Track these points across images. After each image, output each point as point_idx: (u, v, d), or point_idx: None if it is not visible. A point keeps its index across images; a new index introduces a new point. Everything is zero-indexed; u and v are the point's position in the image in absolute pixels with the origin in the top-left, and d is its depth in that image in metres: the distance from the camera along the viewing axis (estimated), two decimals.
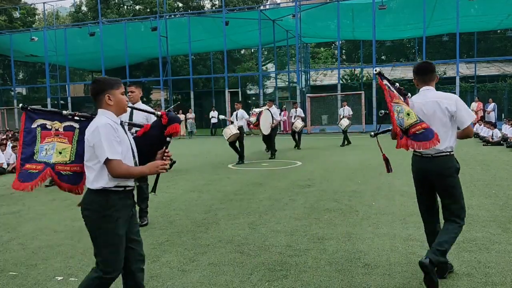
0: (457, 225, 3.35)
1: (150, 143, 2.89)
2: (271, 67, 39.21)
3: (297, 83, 25.62)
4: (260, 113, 11.93)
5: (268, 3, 40.35)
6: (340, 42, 33.00)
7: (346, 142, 15.31)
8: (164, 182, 8.82)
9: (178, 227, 5.32)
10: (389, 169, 3.64)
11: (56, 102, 31.50)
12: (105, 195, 2.58)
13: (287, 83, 33.85)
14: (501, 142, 13.99)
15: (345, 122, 15.13)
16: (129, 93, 5.63)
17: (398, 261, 3.90)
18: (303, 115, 16.28)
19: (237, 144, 11.32)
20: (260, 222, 5.37)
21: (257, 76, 31.49)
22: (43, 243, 4.83)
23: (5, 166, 11.43)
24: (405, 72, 33.95)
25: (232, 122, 11.55)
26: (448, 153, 3.31)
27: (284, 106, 24.12)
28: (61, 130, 2.82)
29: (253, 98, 35.22)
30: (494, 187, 7.03)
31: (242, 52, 40.67)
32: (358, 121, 22.86)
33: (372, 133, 3.85)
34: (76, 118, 2.85)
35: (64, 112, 2.87)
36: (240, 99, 26.76)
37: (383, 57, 40.33)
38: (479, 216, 5.30)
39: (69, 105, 27.86)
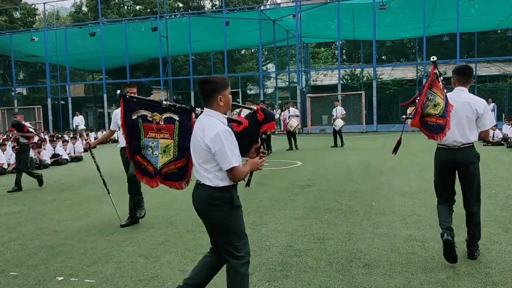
0: (479, 209, 3.94)
1: (248, 139, 2.89)
2: (271, 67, 39.19)
3: (298, 83, 25.62)
4: (240, 111, 11.64)
5: (269, 3, 40.35)
6: (341, 42, 32.99)
7: (341, 142, 14.97)
8: None
9: (178, 227, 5.32)
10: (395, 151, 4.14)
11: (56, 102, 31.51)
12: (228, 191, 2.69)
13: (287, 83, 33.83)
14: (502, 142, 14.00)
15: (339, 123, 14.83)
16: (133, 94, 5.66)
17: (398, 261, 3.90)
18: (297, 113, 15.58)
19: None
20: (261, 222, 5.37)
21: (257, 76, 31.49)
22: (44, 243, 4.84)
23: (5, 166, 11.43)
24: (405, 72, 33.94)
25: None
26: (472, 144, 3.86)
27: (284, 107, 24.05)
28: (161, 123, 2.86)
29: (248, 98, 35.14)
30: (495, 187, 7.03)
31: (243, 52, 40.65)
32: (359, 121, 22.85)
33: (404, 116, 4.28)
34: (174, 109, 2.88)
35: (164, 102, 2.88)
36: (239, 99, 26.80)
37: (383, 57, 40.31)
38: None
39: (70, 105, 27.83)
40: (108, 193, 5.65)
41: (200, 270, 2.92)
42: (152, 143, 2.87)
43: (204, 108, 2.72)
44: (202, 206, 2.74)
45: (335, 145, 14.96)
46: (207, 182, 2.67)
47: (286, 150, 14.39)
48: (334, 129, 15.10)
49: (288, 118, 14.70)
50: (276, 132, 15.96)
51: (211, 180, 2.65)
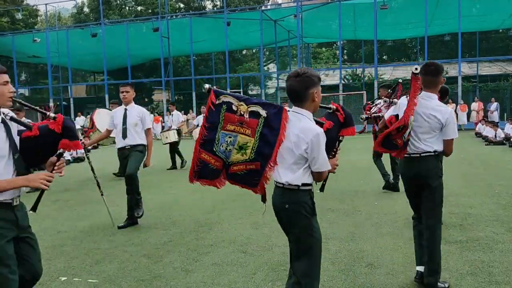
0: None
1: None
2: (272, 67, 39.19)
3: None
4: (92, 114, 10.59)
5: (270, 3, 40.34)
6: (342, 42, 32.97)
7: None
8: (167, 182, 8.83)
9: (181, 227, 5.33)
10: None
11: (58, 103, 31.51)
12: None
13: None
14: (504, 141, 13.97)
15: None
16: (124, 93, 5.65)
17: (401, 260, 3.90)
18: None
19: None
20: (263, 222, 5.37)
21: (259, 76, 31.50)
22: (47, 244, 4.84)
23: None
24: (407, 72, 33.89)
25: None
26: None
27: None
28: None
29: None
30: (497, 187, 7.02)
31: (244, 52, 40.65)
32: (360, 121, 22.76)
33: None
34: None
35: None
36: None
37: (384, 56, 40.23)
38: (482, 215, 5.29)
39: (72, 106, 27.89)
40: (102, 195, 5.61)
41: (420, 245, 3.40)
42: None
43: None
44: (431, 173, 3.27)
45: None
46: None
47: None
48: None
49: None
50: None
51: (437, 150, 3.27)
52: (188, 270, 3.89)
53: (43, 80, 36.24)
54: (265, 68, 37.76)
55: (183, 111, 26.29)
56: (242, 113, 2.46)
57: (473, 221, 5.04)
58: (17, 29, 31.78)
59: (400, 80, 4.28)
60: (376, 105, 6.12)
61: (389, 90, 4.63)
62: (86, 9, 36.91)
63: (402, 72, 34.22)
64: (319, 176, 2.53)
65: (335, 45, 39.40)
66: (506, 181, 7.50)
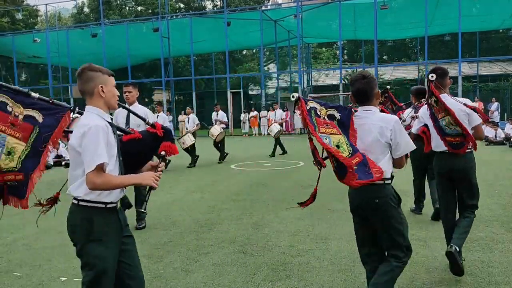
0: None
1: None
2: (272, 67, 39.19)
3: (299, 84, 25.63)
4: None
5: (270, 3, 40.34)
6: (342, 42, 32.97)
7: (279, 150, 12.72)
8: (167, 183, 8.84)
9: (181, 227, 5.33)
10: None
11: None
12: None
13: (289, 83, 33.83)
14: (504, 141, 13.98)
15: (275, 128, 12.62)
16: (126, 93, 5.60)
17: None
18: (225, 119, 13.05)
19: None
20: (263, 223, 5.38)
21: (259, 76, 31.50)
22: (47, 244, 4.85)
23: None
24: (407, 72, 33.91)
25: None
26: None
27: (286, 107, 24.19)
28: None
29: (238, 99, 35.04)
30: (497, 187, 7.02)
31: (244, 52, 40.66)
32: None
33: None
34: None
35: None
36: (242, 100, 26.83)
37: (384, 56, 40.23)
38: (482, 215, 5.29)
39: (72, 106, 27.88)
40: None
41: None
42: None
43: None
44: (470, 165, 3.57)
45: (284, 152, 12.83)
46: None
47: (188, 166, 11.13)
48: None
49: (214, 122, 12.46)
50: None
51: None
52: (188, 270, 3.89)
53: (43, 80, 36.22)
54: (265, 68, 37.75)
55: (183, 111, 26.41)
56: (324, 116, 2.67)
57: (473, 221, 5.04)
58: (17, 29, 31.80)
59: (388, 87, 4.37)
60: None
61: None
62: (86, 9, 36.93)
63: (402, 72, 34.24)
64: (400, 162, 2.76)
65: (335, 45, 39.37)
66: (506, 181, 7.50)
